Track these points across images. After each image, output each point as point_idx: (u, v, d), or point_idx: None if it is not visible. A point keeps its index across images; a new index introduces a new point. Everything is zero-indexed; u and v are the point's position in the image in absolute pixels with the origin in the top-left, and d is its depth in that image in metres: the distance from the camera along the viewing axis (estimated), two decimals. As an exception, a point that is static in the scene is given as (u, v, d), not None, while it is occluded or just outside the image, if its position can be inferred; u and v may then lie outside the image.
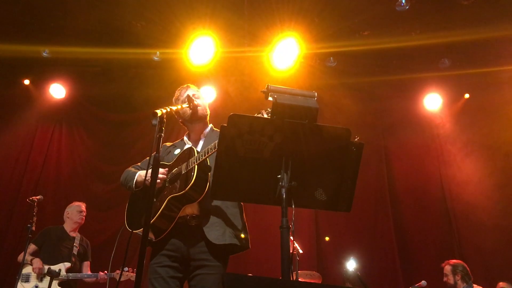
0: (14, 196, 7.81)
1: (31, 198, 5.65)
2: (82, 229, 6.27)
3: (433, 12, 6.57)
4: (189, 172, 2.98)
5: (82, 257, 5.98)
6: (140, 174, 3.21)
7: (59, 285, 5.50)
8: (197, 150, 3.07)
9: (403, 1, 6.25)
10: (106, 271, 5.67)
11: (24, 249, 5.49)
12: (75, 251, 5.83)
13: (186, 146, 3.32)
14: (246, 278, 1.86)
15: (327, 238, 7.63)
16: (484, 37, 6.61)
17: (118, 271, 5.62)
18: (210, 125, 3.47)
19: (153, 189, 2.51)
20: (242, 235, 3.08)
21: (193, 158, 3.00)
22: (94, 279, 5.71)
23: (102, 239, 7.31)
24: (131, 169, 3.41)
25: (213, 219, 3.00)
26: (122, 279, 5.56)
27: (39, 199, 5.65)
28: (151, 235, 3.00)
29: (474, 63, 7.31)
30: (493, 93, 7.65)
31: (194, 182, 2.90)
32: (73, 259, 5.74)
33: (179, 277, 3.01)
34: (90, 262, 6.06)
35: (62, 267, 5.60)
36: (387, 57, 7.44)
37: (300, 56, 7.16)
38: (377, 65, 7.62)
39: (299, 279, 5.78)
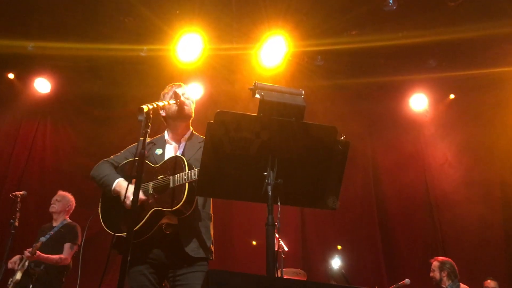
0: (-3, 191, 7.69)
1: (14, 194, 5.54)
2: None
3: (420, 13, 6.61)
4: (179, 188, 2.94)
5: (55, 241, 5.70)
6: (120, 185, 3.11)
7: (24, 275, 5.40)
8: (187, 163, 3.00)
9: (391, 1, 6.28)
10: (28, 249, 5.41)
11: (6, 245, 5.37)
12: (42, 239, 5.62)
13: (168, 146, 3.34)
14: (230, 275, 1.85)
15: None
16: (471, 38, 6.67)
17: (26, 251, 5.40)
18: (191, 129, 3.47)
19: (135, 203, 2.55)
20: (212, 248, 3.18)
21: (183, 174, 2.94)
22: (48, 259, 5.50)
23: (86, 237, 7.20)
24: (107, 165, 3.31)
25: (190, 231, 3.07)
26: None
27: (23, 194, 5.53)
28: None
29: (460, 64, 7.36)
30: (479, 95, 7.70)
31: (185, 200, 2.89)
32: (31, 248, 5.46)
33: (159, 282, 3.10)
34: (72, 244, 5.74)
35: (23, 258, 5.51)
36: (374, 56, 7.48)
37: (288, 54, 7.17)
38: (364, 65, 7.66)
39: (284, 277, 5.78)
